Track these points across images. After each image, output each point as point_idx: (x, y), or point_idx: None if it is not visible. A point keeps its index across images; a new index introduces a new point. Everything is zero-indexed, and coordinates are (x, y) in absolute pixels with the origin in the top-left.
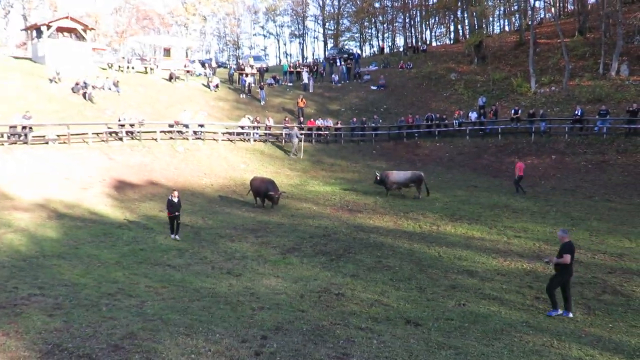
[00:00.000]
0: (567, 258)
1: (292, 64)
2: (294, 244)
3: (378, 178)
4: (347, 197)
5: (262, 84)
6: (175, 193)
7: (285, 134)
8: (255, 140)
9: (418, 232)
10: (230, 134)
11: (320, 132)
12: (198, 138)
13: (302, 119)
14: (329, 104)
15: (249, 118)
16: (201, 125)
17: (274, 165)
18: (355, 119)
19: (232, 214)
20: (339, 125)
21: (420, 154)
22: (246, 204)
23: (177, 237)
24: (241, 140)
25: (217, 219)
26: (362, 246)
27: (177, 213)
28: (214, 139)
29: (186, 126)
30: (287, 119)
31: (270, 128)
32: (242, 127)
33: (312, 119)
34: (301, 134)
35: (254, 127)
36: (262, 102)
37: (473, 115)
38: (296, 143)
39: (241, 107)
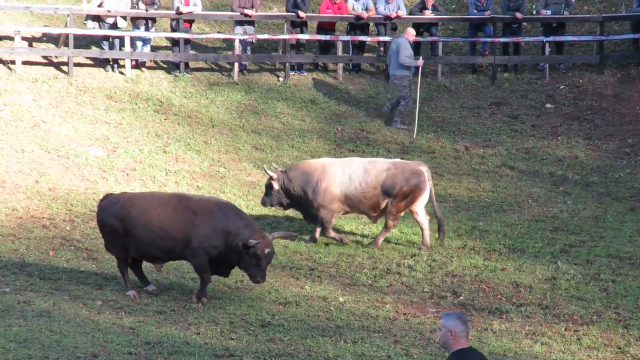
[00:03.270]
0: None
1: None
2: None
3: (274, 186)
4: (465, 261)
5: None
6: None
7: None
8: (138, 66)
9: None
10: (52, 41)
11: (366, 36)
12: None
13: None
14: None
15: None
16: None
17: (209, 152)
18: None
19: (57, 314)
20: (428, 16)
21: None
22: (112, 279)
23: None
24: (91, 63)
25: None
26: None
27: None
28: (1, 61)
29: None
30: None
31: (190, 24)
32: (101, 21)
33: None
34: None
35: (135, 22)
36: None
37: None
38: (407, 90)
39: None
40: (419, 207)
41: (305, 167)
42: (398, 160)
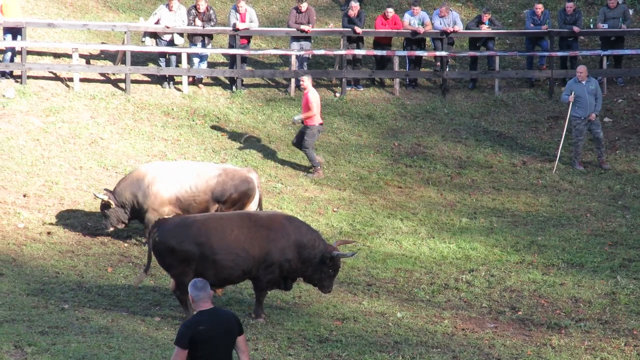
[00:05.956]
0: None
1: None
2: None
3: (111, 205)
4: (523, 276)
5: None
6: None
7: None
8: (195, 83)
9: None
10: (109, 58)
11: (422, 51)
12: (4, 75)
13: (356, 7)
14: None
15: (177, 5)
16: (14, 32)
17: (266, 168)
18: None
19: (116, 331)
20: (485, 31)
21: None
22: (170, 296)
23: None
24: (149, 80)
25: None
26: None
27: None
28: (59, 78)
29: None
30: None
31: (247, 40)
32: (158, 38)
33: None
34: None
35: (192, 39)
36: None
37: None
38: (575, 131)
39: None
40: None
41: (135, 174)
42: (229, 166)
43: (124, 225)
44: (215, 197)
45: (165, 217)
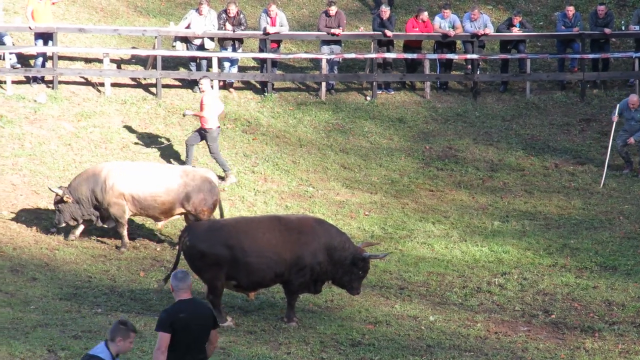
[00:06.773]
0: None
1: None
2: None
3: (65, 200)
4: (556, 279)
5: None
6: None
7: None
8: (226, 87)
9: None
10: (140, 63)
11: (453, 54)
12: (36, 80)
13: (386, 11)
14: None
15: (206, 8)
16: (46, 37)
17: (297, 172)
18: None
19: (148, 335)
20: (516, 33)
21: None
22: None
23: None
24: (179, 84)
25: None
26: None
27: None
28: (90, 83)
29: None
30: None
31: (277, 44)
32: (188, 43)
33: (422, 13)
34: None
35: (222, 43)
36: None
37: None
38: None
39: None
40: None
41: (91, 170)
42: (187, 168)
43: (76, 222)
44: (181, 199)
45: (196, 221)
